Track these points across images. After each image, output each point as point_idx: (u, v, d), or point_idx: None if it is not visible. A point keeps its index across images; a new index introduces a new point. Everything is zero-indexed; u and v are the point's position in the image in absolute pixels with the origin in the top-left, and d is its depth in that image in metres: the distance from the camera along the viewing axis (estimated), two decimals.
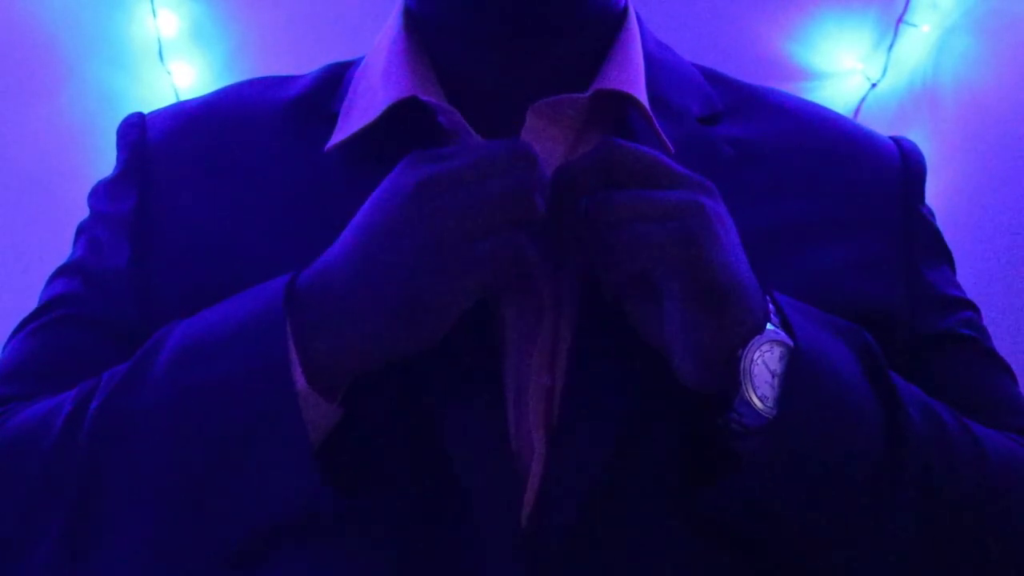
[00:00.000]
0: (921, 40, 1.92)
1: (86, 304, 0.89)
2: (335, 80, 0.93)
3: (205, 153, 0.90)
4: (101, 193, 0.93)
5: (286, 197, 0.86)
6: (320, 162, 0.87)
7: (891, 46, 1.94)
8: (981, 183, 1.85)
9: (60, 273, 0.92)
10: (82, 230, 0.93)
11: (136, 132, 0.93)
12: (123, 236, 0.89)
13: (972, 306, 0.94)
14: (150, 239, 0.88)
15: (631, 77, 0.87)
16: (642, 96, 0.86)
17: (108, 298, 0.88)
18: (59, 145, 1.85)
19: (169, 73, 1.96)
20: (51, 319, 0.89)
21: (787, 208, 0.87)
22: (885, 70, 1.93)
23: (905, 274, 0.89)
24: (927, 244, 0.92)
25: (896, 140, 0.95)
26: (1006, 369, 0.93)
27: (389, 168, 0.83)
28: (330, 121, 0.89)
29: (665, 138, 0.85)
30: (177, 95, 1.92)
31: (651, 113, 0.86)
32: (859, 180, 0.91)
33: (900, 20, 1.94)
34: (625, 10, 0.92)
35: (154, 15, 1.96)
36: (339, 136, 0.87)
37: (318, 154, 0.87)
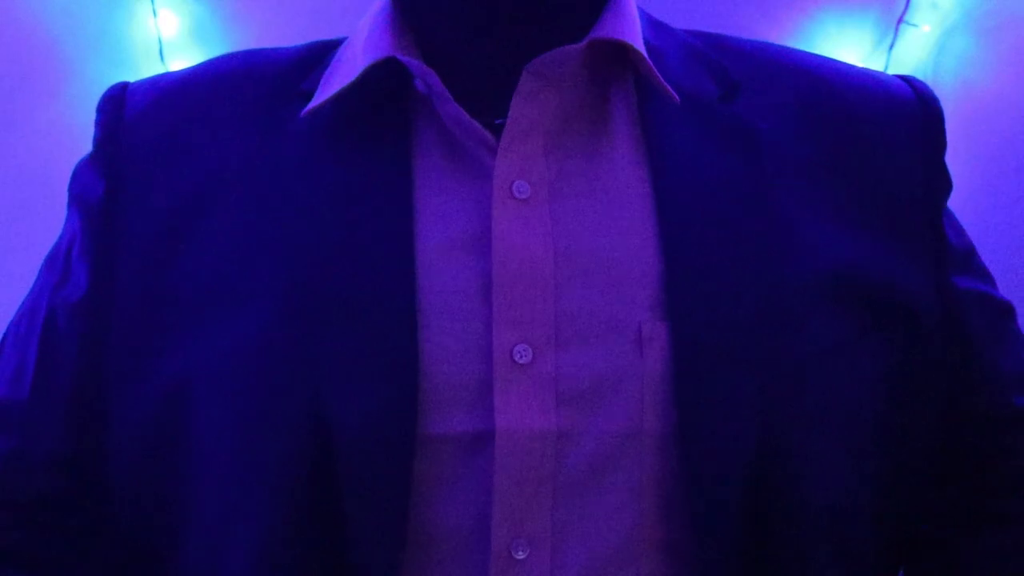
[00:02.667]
0: (921, 40, 1.93)
1: (58, 308, 0.89)
2: (315, 59, 0.91)
3: (177, 132, 0.89)
4: (79, 175, 0.92)
5: (255, 180, 0.84)
6: (292, 139, 0.85)
7: (891, 46, 1.94)
8: (981, 182, 1.85)
9: (48, 261, 0.93)
10: (68, 214, 0.93)
11: (113, 107, 0.91)
12: (93, 223, 0.88)
13: (974, 249, 0.94)
14: (117, 228, 0.87)
15: (626, 28, 0.85)
16: (639, 46, 0.84)
17: (74, 294, 0.88)
18: (60, 145, 1.85)
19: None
20: (29, 332, 0.90)
21: (823, 182, 0.85)
22: (886, 70, 1.93)
23: (929, 236, 0.88)
24: (944, 194, 0.91)
25: (912, 85, 0.93)
26: (1017, 334, 0.94)
27: (366, 134, 0.83)
28: (303, 99, 0.87)
29: (670, 89, 0.84)
30: None
31: (649, 62, 0.84)
32: (883, 142, 0.89)
33: (900, 20, 1.94)
34: None
35: (155, 15, 1.95)
36: (317, 100, 0.86)
37: (290, 132, 0.86)
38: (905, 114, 0.91)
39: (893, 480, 0.85)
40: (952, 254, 0.90)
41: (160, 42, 1.96)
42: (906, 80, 0.94)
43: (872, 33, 1.95)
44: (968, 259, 0.92)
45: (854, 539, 0.82)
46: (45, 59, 1.92)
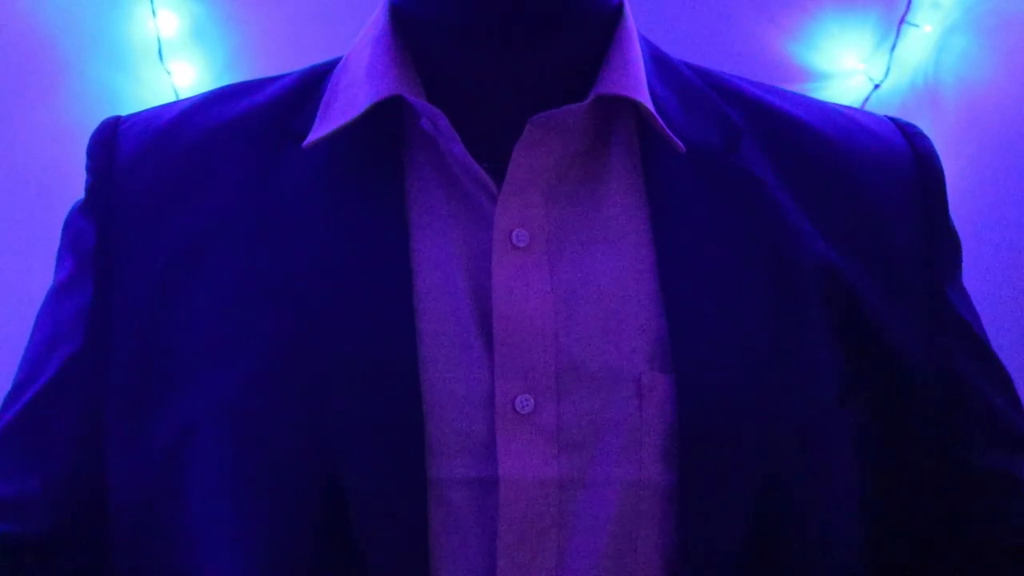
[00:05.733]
0: (923, 40, 1.92)
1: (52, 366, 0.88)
2: (306, 92, 0.89)
3: (171, 179, 0.87)
4: (71, 223, 0.90)
5: (250, 227, 0.83)
6: (286, 181, 0.84)
7: (893, 46, 1.93)
8: (984, 182, 1.85)
9: (44, 314, 0.91)
10: (58, 258, 0.92)
11: (103, 152, 0.90)
12: (87, 274, 0.87)
13: (979, 324, 0.92)
14: (111, 277, 0.86)
15: (632, 81, 0.83)
16: (645, 99, 0.83)
17: (69, 347, 0.87)
18: (58, 145, 1.85)
19: (169, 73, 1.95)
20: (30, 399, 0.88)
21: (826, 241, 0.84)
22: (888, 70, 1.92)
23: (929, 302, 0.87)
24: (949, 260, 0.90)
25: (911, 143, 0.92)
26: (1011, 390, 0.92)
27: (363, 173, 0.82)
28: (295, 139, 0.85)
29: (675, 139, 0.83)
30: (177, 95, 1.92)
31: (655, 114, 0.83)
32: (881, 205, 0.88)
33: (902, 20, 1.93)
34: (620, 8, 0.88)
35: (154, 15, 1.95)
36: (316, 134, 0.84)
37: (284, 174, 0.84)
38: (902, 177, 0.90)
39: (892, 534, 0.85)
40: (956, 325, 0.89)
41: (159, 42, 1.95)
42: (907, 134, 0.93)
43: (873, 33, 1.94)
44: (972, 331, 0.91)
45: None
46: (43, 58, 1.92)
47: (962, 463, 0.88)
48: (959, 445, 0.88)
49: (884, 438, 0.84)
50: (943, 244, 0.90)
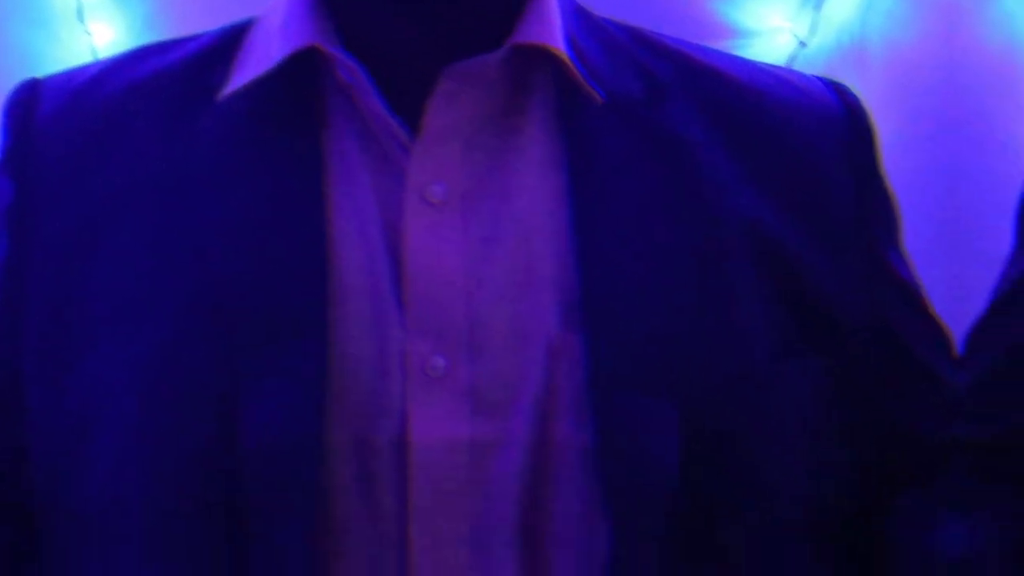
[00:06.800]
0: None
1: None
2: (225, 48, 0.88)
3: (90, 139, 0.86)
4: None
5: (165, 186, 0.82)
6: (202, 139, 0.83)
7: (819, 4, 1.94)
8: (910, 141, 1.87)
9: None
10: None
11: (22, 111, 0.88)
12: (2, 233, 0.86)
13: (920, 285, 0.92)
14: (26, 237, 0.85)
15: (549, 30, 0.83)
16: (563, 48, 0.82)
17: None
18: None
19: (89, 33, 1.93)
20: None
21: (759, 199, 0.84)
22: (813, 28, 1.93)
23: (865, 258, 0.87)
24: (884, 219, 0.90)
25: (843, 98, 0.91)
26: (952, 352, 0.92)
27: (280, 129, 0.81)
28: (212, 95, 0.84)
29: (595, 88, 0.82)
30: (96, 55, 1.90)
31: (576, 64, 0.82)
32: (811, 161, 0.87)
33: None
34: None
35: None
36: (231, 87, 0.83)
37: (199, 131, 0.83)
38: (834, 132, 0.89)
39: (842, 488, 0.85)
40: (893, 282, 0.89)
41: (79, 2, 1.93)
42: (838, 91, 0.92)
43: None
44: (911, 291, 0.91)
45: (793, 561, 0.82)
46: None
47: (902, 422, 0.88)
48: (899, 404, 0.88)
49: (836, 393, 0.84)
50: (877, 200, 0.90)
